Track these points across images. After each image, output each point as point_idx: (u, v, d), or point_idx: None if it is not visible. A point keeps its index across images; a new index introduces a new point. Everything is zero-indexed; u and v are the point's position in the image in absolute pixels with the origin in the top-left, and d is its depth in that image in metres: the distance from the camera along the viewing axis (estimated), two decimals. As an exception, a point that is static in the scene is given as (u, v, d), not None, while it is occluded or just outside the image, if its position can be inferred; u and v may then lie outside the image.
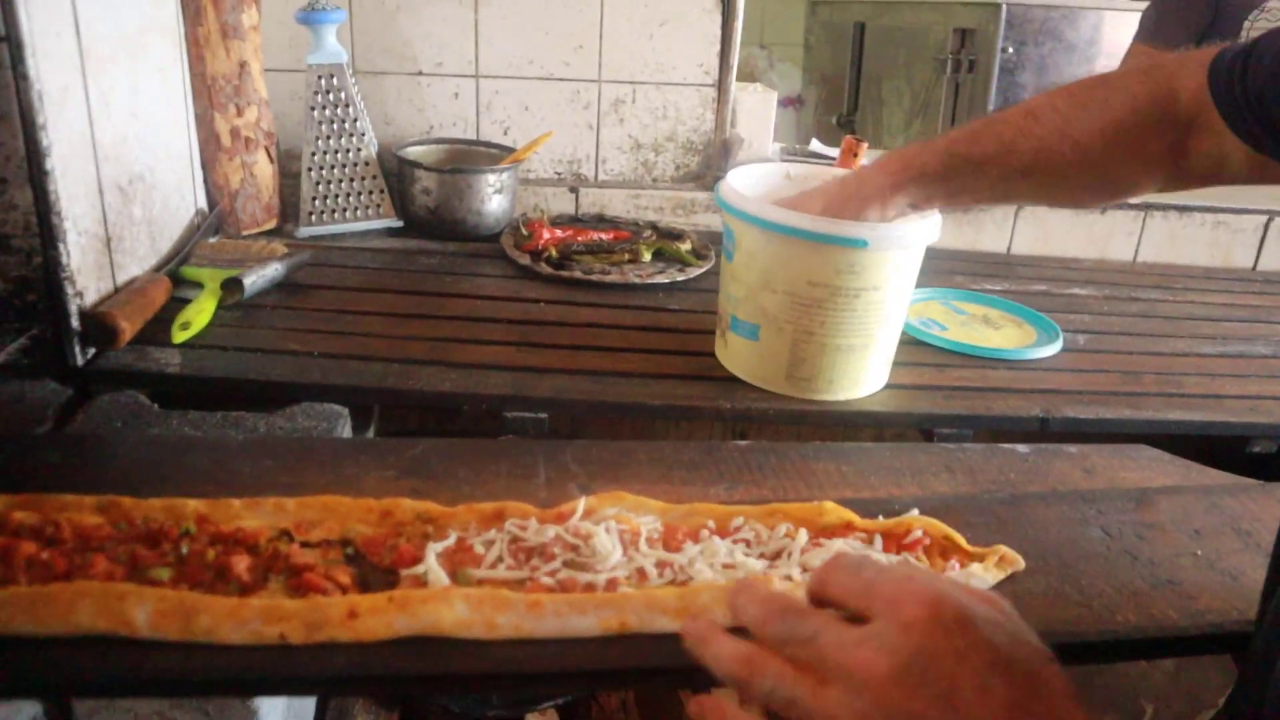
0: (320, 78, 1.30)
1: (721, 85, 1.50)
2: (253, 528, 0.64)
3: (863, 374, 0.98)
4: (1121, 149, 0.79)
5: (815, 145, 1.74)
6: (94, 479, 0.72)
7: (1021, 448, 0.91)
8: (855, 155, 1.42)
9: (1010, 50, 2.66)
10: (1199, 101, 0.74)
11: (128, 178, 1.03)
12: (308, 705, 1.03)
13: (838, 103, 3.48)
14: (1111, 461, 0.91)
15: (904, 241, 0.91)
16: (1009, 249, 1.58)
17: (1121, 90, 0.79)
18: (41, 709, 0.82)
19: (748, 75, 4.05)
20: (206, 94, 1.22)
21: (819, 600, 0.49)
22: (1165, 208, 1.58)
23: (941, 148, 0.87)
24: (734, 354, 1.01)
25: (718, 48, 1.47)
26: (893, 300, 0.95)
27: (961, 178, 0.86)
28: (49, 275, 0.89)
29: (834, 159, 1.49)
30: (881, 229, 0.90)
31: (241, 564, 0.60)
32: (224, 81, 1.23)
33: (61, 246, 0.89)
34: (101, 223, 0.98)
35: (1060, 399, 1.05)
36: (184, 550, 0.61)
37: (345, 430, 0.92)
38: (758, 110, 1.55)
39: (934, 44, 2.88)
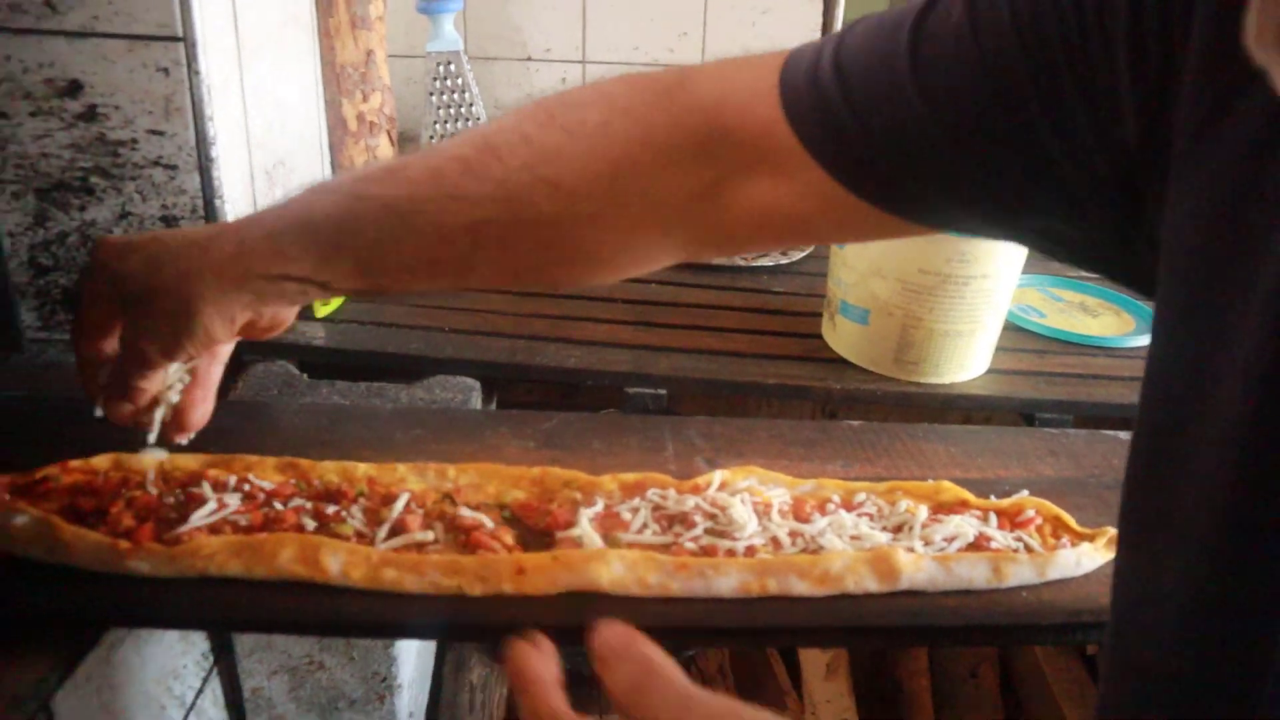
0: (439, 64, 1.36)
1: (820, 70, 1.53)
2: (418, 490, 0.70)
3: (968, 358, 1.02)
4: (628, 200, 0.55)
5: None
6: (266, 442, 0.79)
7: (1124, 434, 0.94)
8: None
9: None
10: (763, 134, 0.52)
11: (273, 162, 1.11)
12: (431, 650, 1.11)
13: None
14: (1211, 449, 0.93)
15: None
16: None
17: (628, 115, 0.54)
18: (209, 645, 0.91)
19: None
20: (335, 81, 1.29)
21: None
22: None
23: (345, 186, 0.58)
24: (842, 337, 1.05)
25: (818, 34, 1.50)
26: (1000, 287, 0.98)
27: (374, 234, 0.56)
28: (211, 254, 0.96)
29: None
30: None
31: (415, 523, 0.66)
32: (351, 69, 1.29)
33: (223, 228, 0.96)
34: (252, 205, 1.05)
35: (1159, 386, 1.07)
36: (361, 508, 0.68)
37: (476, 402, 0.98)
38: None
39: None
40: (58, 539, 0.61)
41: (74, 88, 0.88)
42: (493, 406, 1.07)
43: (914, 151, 0.48)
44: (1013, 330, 1.16)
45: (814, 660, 1.42)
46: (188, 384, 0.69)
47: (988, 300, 0.98)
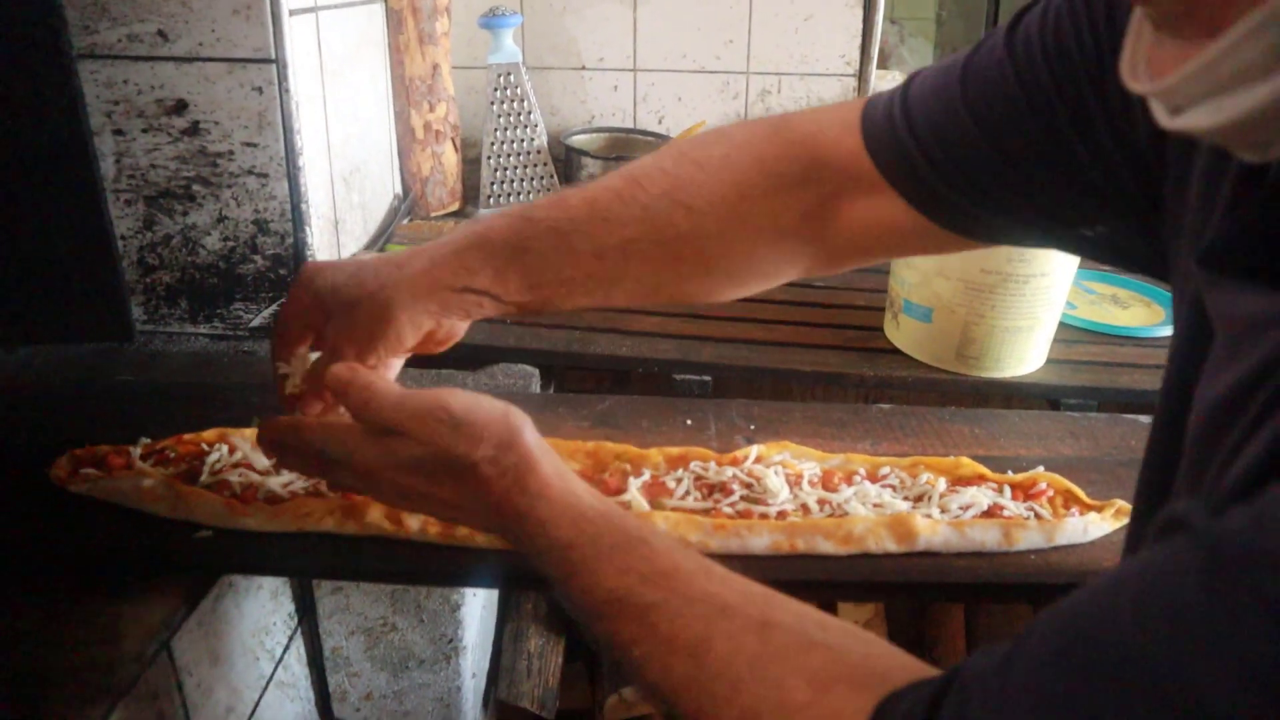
0: (499, 75, 1.45)
1: (862, 74, 1.59)
2: (486, 461, 0.79)
3: (1027, 352, 1.08)
4: (751, 217, 0.64)
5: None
6: (350, 421, 0.88)
7: (1144, 418, 0.99)
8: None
9: (1153, 25, 2.63)
10: (853, 161, 0.61)
11: (349, 169, 1.21)
12: (492, 620, 1.20)
13: (970, 78, 3.48)
14: (1231, 432, 0.98)
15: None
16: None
17: (745, 148, 0.64)
18: (294, 605, 1.01)
19: (879, 51, 4.09)
20: (404, 93, 1.39)
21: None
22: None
23: (516, 212, 0.67)
24: (905, 333, 1.12)
25: (859, 40, 1.57)
26: (1057, 285, 1.04)
27: (542, 252, 0.65)
28: (298, 253, 1.06)
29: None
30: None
31: (484, 488, 0.75)
32: (419, 82, 1.39)
33: (308, 229, 1.06)
34: (332, 208, 1.16)
35: (1184, 374, 1.12)
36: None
37: (536, 388, 1.07)
38: (896, 97, 1.64)
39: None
40: (180, 497, 0.71)
41: (180, 106, 0.99)
42: (550, 392, 1.16)
43: (969, 172, 0.56)
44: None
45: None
46: None
47: (1045, 297, 1.04)
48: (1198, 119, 0.28)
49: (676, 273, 0.67)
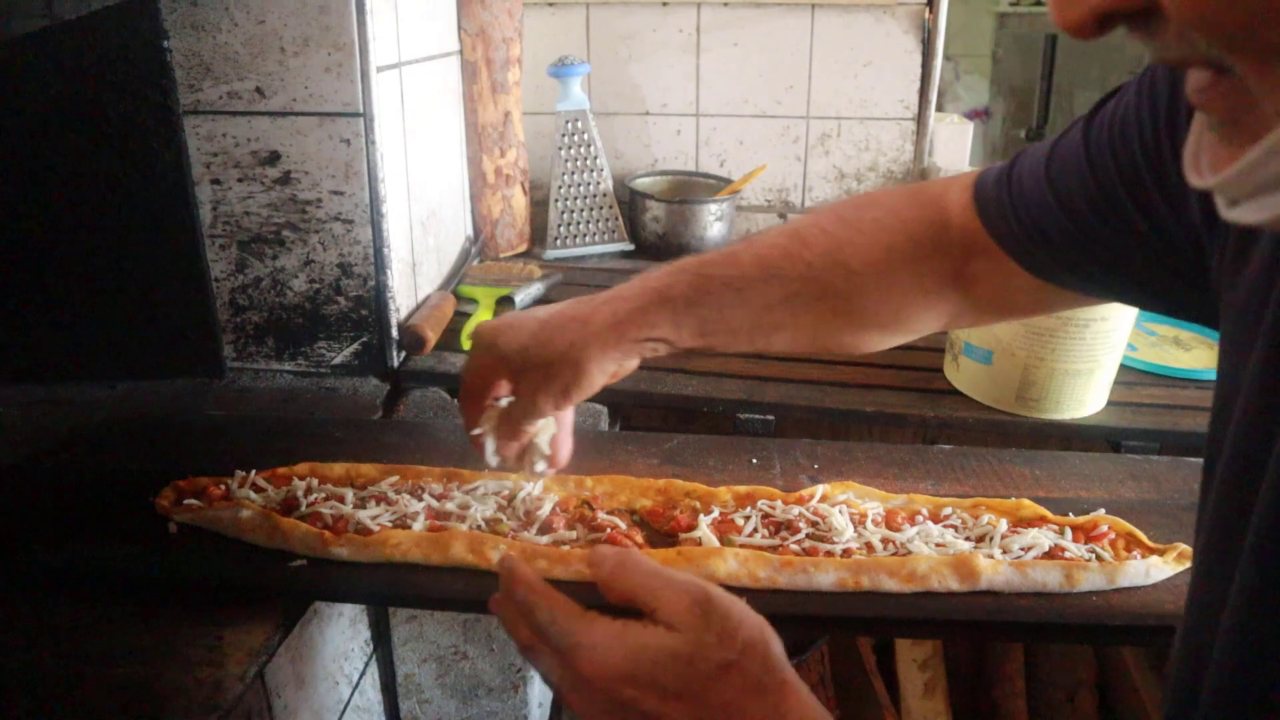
0: (567, 122, 1.51)
1: (920, 118, 1.62)
2: (561, 497, 0.83)
3: (1088, 394, 1.10)
4: (899, 277, 0.70)
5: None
6: (429, 455, 0.93)
7: (1206, 461, 1.00)
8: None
9: (1210, 63, 2.62)
10: (971, 226, 0.68)
11: (426, 214, 1.27)
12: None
13: (1026, 115, 3.48)
14: (1294, 477, 0.98)
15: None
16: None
17: (892, 213, 0.71)
18: (370, 633, 1.05)
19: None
20: (477, 140, 1.45)
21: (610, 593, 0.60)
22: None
23: (691, 268, 0.72)
24: (965, 375, 1.14)
25: (917, 85, 1.60)
26: (1119, 328, 1.06)
27: (716, 305, 0.71)
28: (379, 295, 1.12)
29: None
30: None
31: (560, 523, 0.79)
32: (491, 129, 1.45)
33: (389, 272, 1.12)
34: (410, 251, 1.21)
35: (1247, 418, 1.12)
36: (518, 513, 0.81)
37: (605, 425, 1.11)
38: (954, 140, 1.66)
39: (1130, 58, 2.87)
40: (276, 528, 0.76)
41: (273, 157, 1.05)
42: (618, 429, 1.20)
43: (1055, 240, 0.63)
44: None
45: (912, 679, 1.49)
46: (554, 430, 0.82)
47: (1106, 340, 1.05)
48: (1248, 213, 0.31)
49: (833, 325, 0.73)
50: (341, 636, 0.97)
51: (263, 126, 1.04)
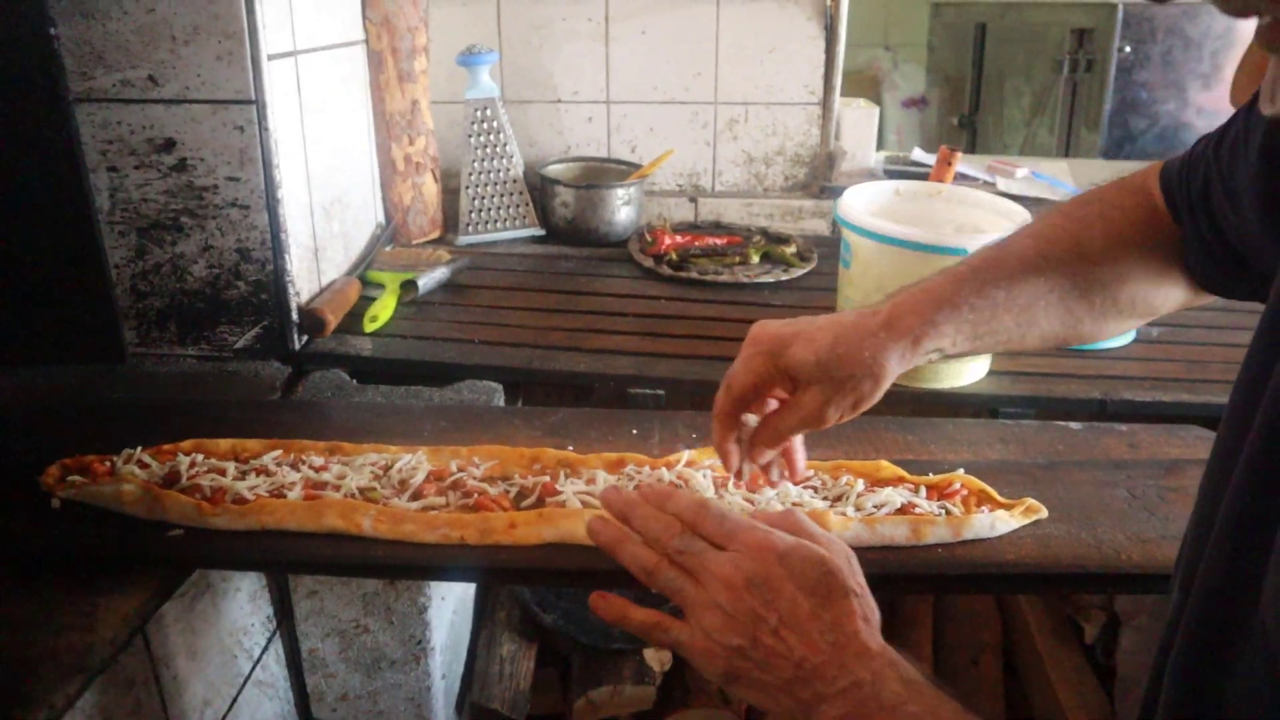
0: (476, 110, 1.53)
1: (826, 103, 1.66)
2: (436, 467, 0.86)
3: (969, 364, 1.14)
4: (1131, 262, 0.75)
5: (917, 154, 1.88)
6: (319, 431, 0.95)
7: (1074, 425, 1.04)
8: (949, 165, 1.56)
9: (1128, 49, 2.70)
10: (1161, 209, 0.74)
11: (330, 200, 1.29)
12: (466, 626, 1.26)
13: (960, 103, 3.55)
14: (1157, 439, 1.01)
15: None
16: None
17: (1113, 205, 0.76)
18: (272, 609, 1.07)
19: (872, 77, 4.17)
20: (385, 128, 1.47)
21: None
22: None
23: (967, 275, 0.76)
24: None
25: (822, 70, 1.64)
26: None
27: (990, 310, 0.75)
28: (278, 279, 1.14)
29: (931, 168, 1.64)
30: (980, 239, 1.02)
31: (431, 490, 0.82)
32: (399, 117, 1.48)
33: (287, 257, 1.14)
34: (312, 237, 1.23)
35: (1121, 384, 1.17)
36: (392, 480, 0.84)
37: (499, 402, 1.14)
38: (860, 124, 1.71)
39: (1052, 44, 2.94)
40: (156, 500, 0.78)
41: (169, 144, 1.07)
42: (518, 405, 1.23)
43: (1211, 210, 0.69)
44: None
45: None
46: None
47: None
48: None
49: (1078, 317, 0.77)
50: (240, 611, 1.00)
51: (157, 114, 1.06)
